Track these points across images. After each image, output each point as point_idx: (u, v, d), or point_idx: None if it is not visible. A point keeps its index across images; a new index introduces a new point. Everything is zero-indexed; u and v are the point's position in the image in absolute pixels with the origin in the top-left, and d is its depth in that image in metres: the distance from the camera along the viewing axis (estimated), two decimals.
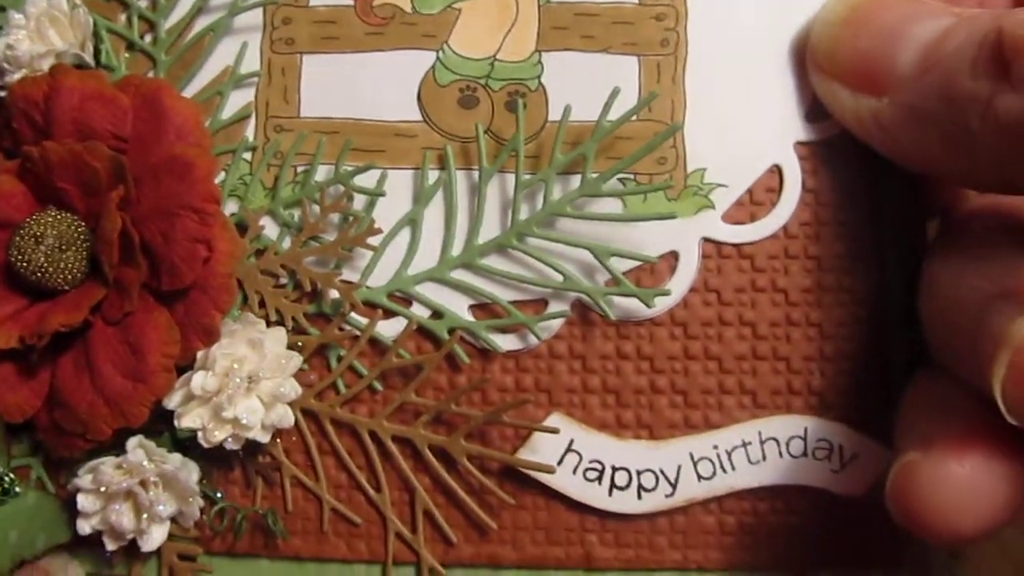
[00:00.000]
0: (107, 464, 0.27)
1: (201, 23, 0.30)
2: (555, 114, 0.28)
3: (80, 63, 0.29)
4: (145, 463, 0.27)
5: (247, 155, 0.29)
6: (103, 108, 0.28)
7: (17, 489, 0.29)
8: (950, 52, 0.24)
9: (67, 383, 0.27)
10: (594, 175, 0.28)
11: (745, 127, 0.28)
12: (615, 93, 0.27)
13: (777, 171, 0.28)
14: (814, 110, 0.28)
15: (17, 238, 0.27)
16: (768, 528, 0.27)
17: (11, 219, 0.28)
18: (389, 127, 0.29)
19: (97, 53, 0.30)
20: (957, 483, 0.22)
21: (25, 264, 0.27)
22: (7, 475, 0.29)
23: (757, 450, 0.27)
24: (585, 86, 0.28)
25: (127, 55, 0.30)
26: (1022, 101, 0.22)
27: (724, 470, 0.27)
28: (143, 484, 0.27)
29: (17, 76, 0.29)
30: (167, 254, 0.27)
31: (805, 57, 0.28)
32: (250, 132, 0.29)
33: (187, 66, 0.30)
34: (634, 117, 0.28)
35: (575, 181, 0.28)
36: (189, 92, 0.30)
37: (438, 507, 0.28)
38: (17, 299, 0.28)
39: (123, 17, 0.30)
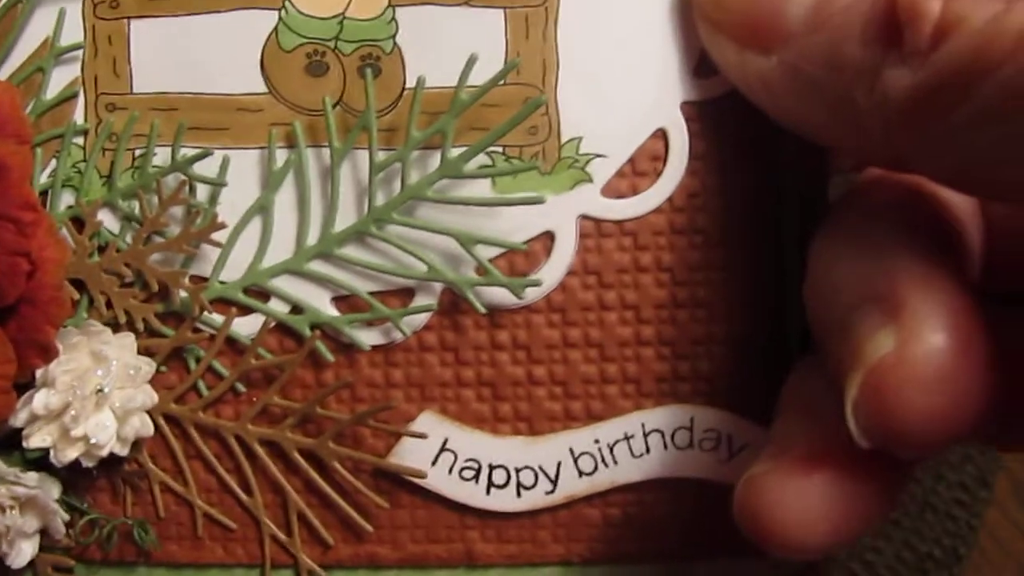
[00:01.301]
0: None
1: None
2: (412, 80, 0.25)
3: None
4: None
5: (79, 139, 0.26)
6: None
7: None
8: (840, 9, 0.20)
9: None
10: (455, 152, 0.25)
11: (625, 87, 0.25)
12: (471, 61, 0.24)
13: (662, 136, 0.25)
14: (703, 65, 0.25)
15: None
16: (654, 519, 0.26)
17: None
18: (231, 100, 0.26)
19: None
20: (803, 501, 0.20)
21: None
22: None
23: (640, 443, 0.26)
24: (445, 46, 0.25)
25: None
26: (912, 76, 0.19)
27: (606, 464, 0.26)
28: None
29: None
30: None
31: (692, 6, 0.24)
32: (79, 113, 0.26)
33: (0, 39, 0.26)
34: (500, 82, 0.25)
35: (436, 158, 0.25)
36: (6, 70, 0.26)
37: (312, 508, 0.27)
38: None
39: None
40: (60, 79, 0.26)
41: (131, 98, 0.26)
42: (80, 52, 0.26)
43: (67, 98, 0.26)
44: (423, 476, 0.26)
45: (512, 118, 0.24)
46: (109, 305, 0.26)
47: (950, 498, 0.57)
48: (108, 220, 0.26)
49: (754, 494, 0.21)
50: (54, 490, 0.26)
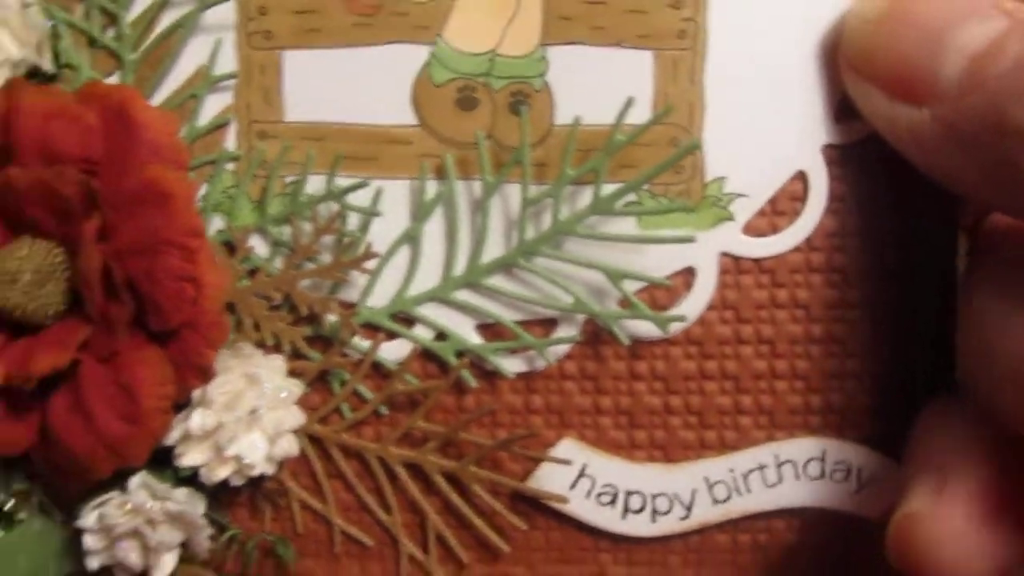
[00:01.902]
0: (111, 506, 0.26)
1: (168, 16, 0.27)
2: (561, 117, 0.26)
3: (37, 71, 0.26)
4: (149, 504, 0.26)
5: (229, 166, 0.27)
6: (68, 128, 0.25)
7: (21, 515, 0.28)
8: (999, 73, 0.21)
9: (61, 424, 0.26)
10: (606, 190, 0.26)
11: (769, 130, 0.26)
12: (629, 103, 0.25)
13: (802, 178, 0.26)
14: (844, 109, 0.26)
15: None
16: (783, 547, 0.27)
17: None
18: (382, 132, 0.27)
19: (56, 54, 0.27)
20: (963, 541, 0.21)
21: (3, 303, 0.26)
22: (8, 501, 0.28)
23: (773, 473, 0.27)
24: (594, 85, 0.26)
25: (89, 52, 0.27)
26: None
27: (739, 493, 0.27)
28: (149, 523, 0.26)
29: None
30: (152, 293, 0.25)
31: (836, 51, 0.25)
32: (231, 140, 0.27)
33: (155, 66, 0.27)
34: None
35: (585, 193, 0.26)
36: (160, 96, 0.27)
37: (449, 529, 0.27)
38: None
39: (80, 9, 0.27)
40: (213, 107, 0.27)
41: (282, 126, 0.27)
42: (233, 81, 0.27)
43: (219, 125, 0.27)
44: (565, 502, 0.27)
45: (667, 160, 0.25)
46: (257, 327, 0.27)
47: None
48: (258, 245, 0.27)
49: (912, 531, 0.22)
50: (200, 506, 0.27)
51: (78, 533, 0.28)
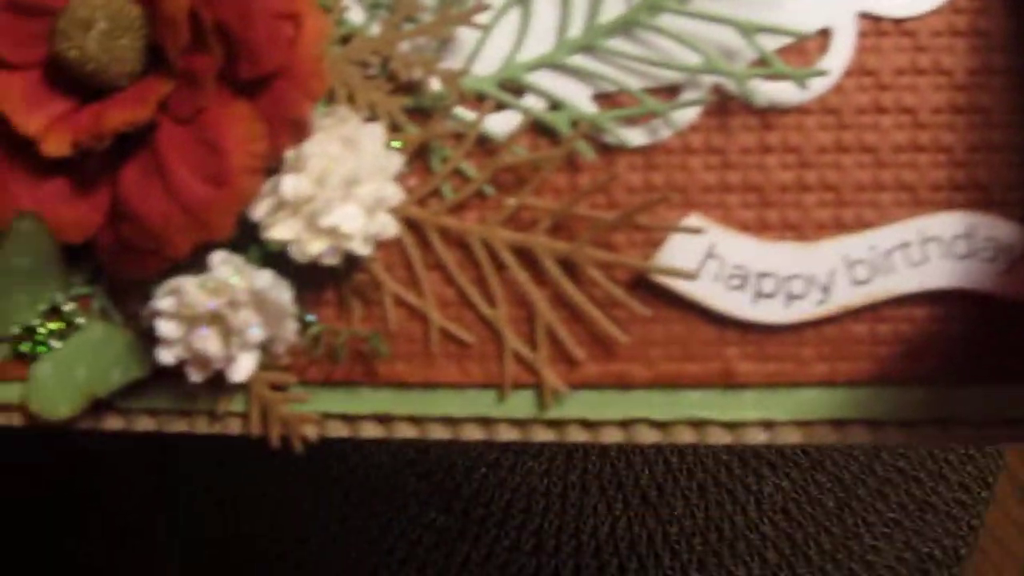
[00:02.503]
0: (190, 284, 0.24)
1: None
2: None
3: None
4: (233, 280, 0.24)
5: None
6: None
7: (80, 320, 0.26)
8: None
9: (134, 192, 0.23)
10: None
11: None
12: None
13: None
14: None
15: (62, 25, 0.23)
16: (926, 336, 0.25)
17: (50, 5, 0.24)
18: None
19: None
20: None
21: (75, 54, 0.23)
22: (67, 305, 0.26)
23: (918, 250, 0.24)
24: None
25: None
26: None
27: (881, 273, 0.24)
28: (231, 305, 0.24)
29: None
30: (245, 35, 0.23)
31: None
32: None
33: None
34: None
35: None
36: None
37: (560, 322, 0.25)
38: (64, 99, 0.24)
39: None
40: None
41: None
42: None
43: None
44: (694, 277, 0.24)
45: None
46: (349, 100, 0.25)
47: (950, 498, 0.57)
48: (351, 8, 0.25)
49: None
50: (286, 292, 0.24)
51: (143, 334, 0.25)
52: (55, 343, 0.26)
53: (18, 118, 0.23)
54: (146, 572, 0.57)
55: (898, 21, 0.24)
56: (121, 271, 0.25)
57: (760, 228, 0.25)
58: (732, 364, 0.25)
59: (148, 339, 0.25)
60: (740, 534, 0.56)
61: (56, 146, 0.23)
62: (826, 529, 0.57)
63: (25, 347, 0.26)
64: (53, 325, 0.26)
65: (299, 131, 0.23)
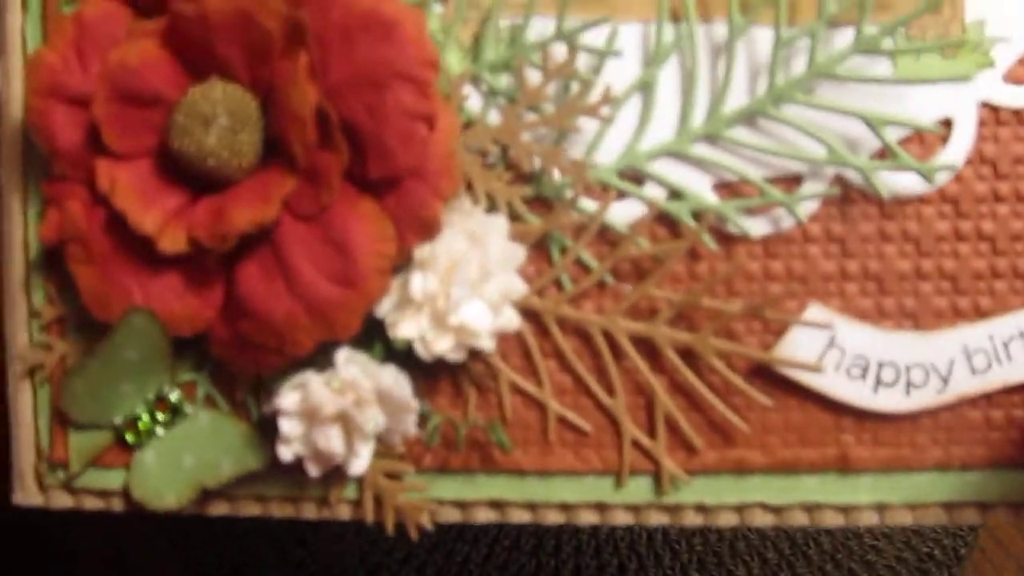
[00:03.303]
0: (315, 382, 0.23)
1: None
2: None
3: None
4: (361, 379, 0.23)
5: (436, 8, 0.24)
6: None
7: (187, 409, 0.25)
8: None
9: (255, 290, 0.23)
10: (871, 29, 0.23)
11: None
12: None
13: None
14: None
15: (181, 119, 0.22)
16: None
17: (163, 95, 0.23)
18: None
19: None
20: None
21: (195, 150, 0.22)
22: (173, 394, 0.25)
23: None
24: None
25: None
26: None
27: (1000, 362, 0.25)
28: (357, 403, 0.23)
29: None
30: (377, 135, 0.22)
31: None
32: None
33: None
34: None
35: (838, 37, 0.24)
36: None
37: (679, 411, 0.25)
38: (177, 192, 0.23)
39: None
40: None
41: None
42: None
43: None
44: (820, 369, 0.24)
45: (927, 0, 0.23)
46: (468, 186, 0.24)
47: None
48: (470, 96, 0.24)
49: None
50: (407, 386, 0.24)
51: (258, 426, 0.25)
52: (160, 431, 0.25)
53: (134, 216, 0.23)
54: (146, 571, 0.56)
55: (1017, 111, 0.24)
56: (238, 366, 0.24)
57: (878, 316, 0.25)
58: (848, 450, 0.25)
59: (262, 430, 0.24)
60: (740, 534, 0.57)
61: (173, 243, 0.23)
62: (826, 528, 0.57)
63: (129, 436, 0.25)
64: (159, 415, 0.25)
65: (428, 230, 0.23)
